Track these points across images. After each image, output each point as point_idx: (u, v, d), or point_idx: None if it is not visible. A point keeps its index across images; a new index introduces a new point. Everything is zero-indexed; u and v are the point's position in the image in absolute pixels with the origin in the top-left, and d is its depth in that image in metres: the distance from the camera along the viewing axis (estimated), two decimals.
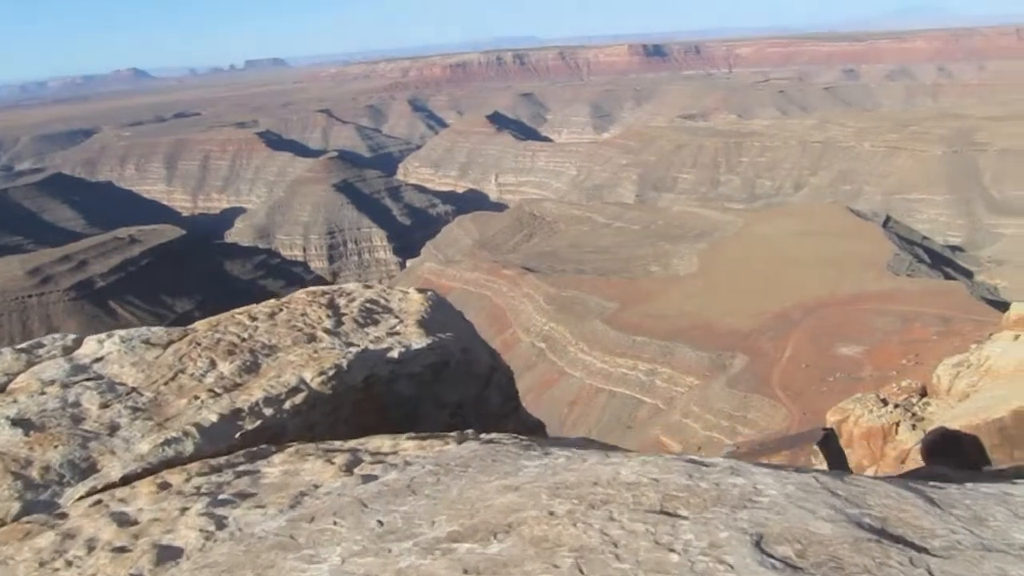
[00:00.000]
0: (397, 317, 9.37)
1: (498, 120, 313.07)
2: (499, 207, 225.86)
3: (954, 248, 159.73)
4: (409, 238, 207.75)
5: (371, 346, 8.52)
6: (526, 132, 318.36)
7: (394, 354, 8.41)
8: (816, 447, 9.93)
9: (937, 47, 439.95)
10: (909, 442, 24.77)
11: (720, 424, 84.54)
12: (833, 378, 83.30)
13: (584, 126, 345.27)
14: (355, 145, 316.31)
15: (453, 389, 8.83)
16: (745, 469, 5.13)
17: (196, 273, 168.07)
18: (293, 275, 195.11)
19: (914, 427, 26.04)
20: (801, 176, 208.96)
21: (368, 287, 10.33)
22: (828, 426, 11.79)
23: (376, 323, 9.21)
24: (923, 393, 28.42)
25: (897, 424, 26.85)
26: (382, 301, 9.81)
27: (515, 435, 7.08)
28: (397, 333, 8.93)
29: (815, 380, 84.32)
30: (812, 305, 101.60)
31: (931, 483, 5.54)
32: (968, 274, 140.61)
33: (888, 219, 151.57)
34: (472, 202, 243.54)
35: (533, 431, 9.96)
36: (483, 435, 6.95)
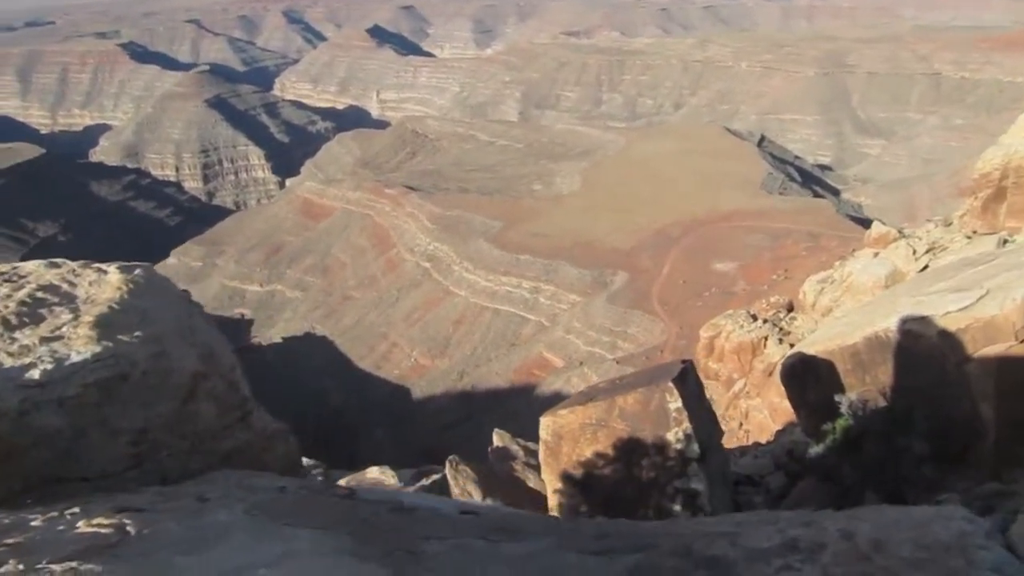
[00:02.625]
0: (74, 311, 7.07)
1: (378, 34, 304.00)
2: (381, 124, 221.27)
3: (823, 167, 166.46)
4: (288, 156, 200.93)
5: (8, 361, 6.37)
6: (407, 47, 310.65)
7: (34, 374, 6.28)
8: (671, 384, 10.02)
9: None
10: (776, 356, 25.94)
11: (601, 340, 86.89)
12: (708, 293, 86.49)
13: (467, 41, 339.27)
14: (227, 59, 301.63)
15: (133, 410, 6.77)
16: None
17: (59, 195, 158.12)
18: (165, 196, 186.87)
19: (780, 341, 27.28)
20: (681, 95, 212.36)
21: (55, 265, 7.85)
22: (686, 359, 12.06)
23: (38, 322, 6.87)
24: (790, 308, 29.74)
25: (765, 339, 28.08)
26: (64, 287, 7.45)
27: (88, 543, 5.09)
28: (59, 337, 6.69)
29: (691, 296, 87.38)
30: (690, 223, 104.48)
31: None
32: (835, 192, 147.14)
33: (763, 139, 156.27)
34: (353, 119, 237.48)
35: (271, 441, 8.35)
36: (82, 525, 5.29)
